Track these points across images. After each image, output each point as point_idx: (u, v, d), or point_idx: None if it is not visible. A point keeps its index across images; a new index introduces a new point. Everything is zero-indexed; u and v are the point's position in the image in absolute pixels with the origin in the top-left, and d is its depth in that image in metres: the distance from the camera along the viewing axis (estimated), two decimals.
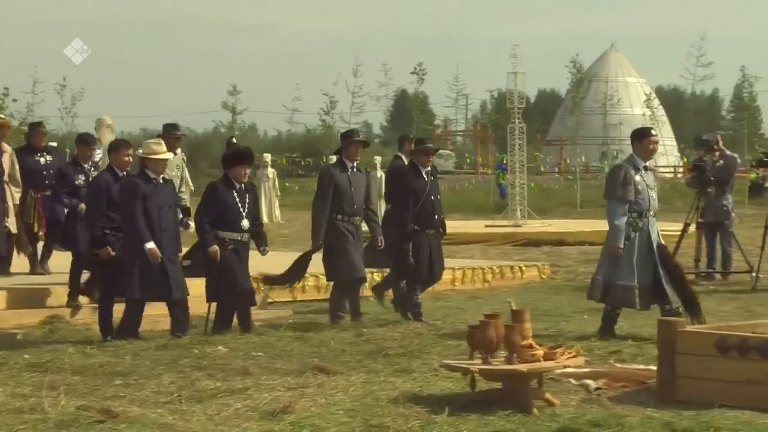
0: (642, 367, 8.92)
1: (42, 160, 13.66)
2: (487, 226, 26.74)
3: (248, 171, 11.43)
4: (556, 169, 59.79)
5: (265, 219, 22.90)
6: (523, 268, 17.04)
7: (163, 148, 10.97)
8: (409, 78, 74.12)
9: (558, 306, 13.71)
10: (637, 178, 10.56)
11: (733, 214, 16.65)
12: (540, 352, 7.73)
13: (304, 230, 19.44)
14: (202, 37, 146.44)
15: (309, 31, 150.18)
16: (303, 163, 57.42)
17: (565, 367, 7.97)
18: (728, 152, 16.85)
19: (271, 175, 31.78)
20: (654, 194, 10.68)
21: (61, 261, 13.00)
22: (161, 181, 10.83)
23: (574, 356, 8.01)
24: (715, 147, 16.42)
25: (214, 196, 11.10)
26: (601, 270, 10.85)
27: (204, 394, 7.95)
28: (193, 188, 14.44)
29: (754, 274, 15.70)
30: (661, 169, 53.94)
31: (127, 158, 11.16)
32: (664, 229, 21.24)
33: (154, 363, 9.31)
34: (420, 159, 12.29)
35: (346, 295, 11.93)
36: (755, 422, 7.10)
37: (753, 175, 41.40)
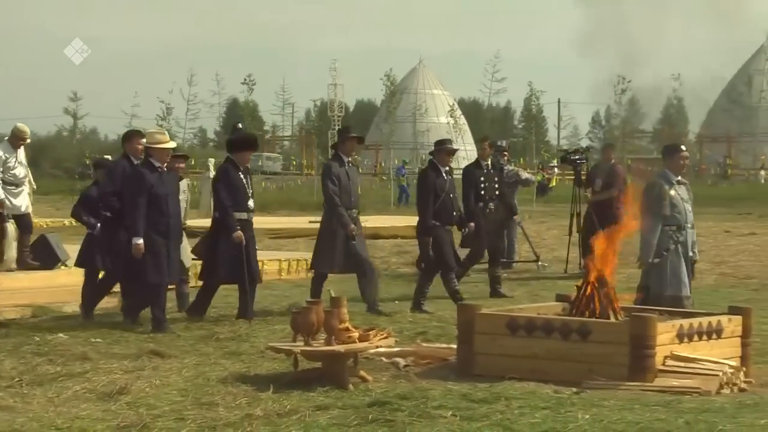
0: (444, 345, 9.05)
1: None
2: (310, 222, 26.69)
3: (251, 156, 11.28)
4: (373, 171, 60.30)
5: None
6: None
7: (167, 137, 10.58)
8: (240, 87, 73.54)
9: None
10: (672, 192, 9.63)
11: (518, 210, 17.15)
12: (356, 334, 7.77)
13: None
14: (44, 45, 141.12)
15: (144, 41, 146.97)
16: None
17: (377, 347, 8.03)
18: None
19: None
20: (689, 207, 9.71)
21: None
22: (165, 169, 10.36)
23: (386, 337, 8.08)
24: (506, 152, 16.80)
25: (228, 178, 10.77)
26: (649, 280, 9.63)
27: (44, 378, 7.69)
28: (35, 187, 13.90)
29: (540, 263, 16.28)
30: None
31: (140, 146, 10.75)
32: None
33: None
34: (441, 158, 12.00)
35: (321, 286, 11.46)
36: (539, 392, 7.31)
37: (539, 177, 42.58)
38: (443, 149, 11.94)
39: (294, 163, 66.25)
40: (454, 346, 8.52)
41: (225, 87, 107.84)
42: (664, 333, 7.78)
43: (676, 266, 9.55)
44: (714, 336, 8.05)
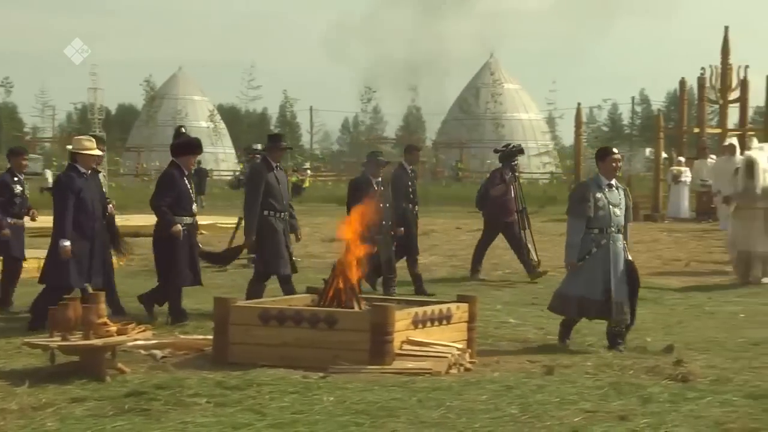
0: (201, 337, 8.93)
1: None
2: None
3: (195, 160, 10.58)
4: (135, 172, 58.70)
5: None
6: None
7: (93, 144, 10.06)
8: None
9: (134, 288, 13.36)
10: (599, 195, 9.00)
11: None
12: (114, 328, 7.55)
13: None
14: None
15: None
16: None
17: (135, 340, 7.82)
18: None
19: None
20: (618, 211, 9.03)
21: None
22: (90, 174, 9.97)
23: (143, 331, 7.89)
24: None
25: (173, 182, 10.09)
26: (564, 283, 9.20)
27: None
28: None
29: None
30: (224, 173, 54.56)
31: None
32: (226, 223, 21.28)
33: None
34: (371, 170, 11.81)
35: (263, 287, 10.70)
36: (288, 377, 7.33)
37: (294, 179, 42.79)
38: (373, 161, 12.03)
39: (55, 164, 63.47)
40: (211, 337, 8.43)
41: None
42: (401, 320, 7.99)
43: (593, 268, 8.89)
44: (444, 322, 8.34)
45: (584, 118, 33.59)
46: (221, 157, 62.98)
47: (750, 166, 13.93)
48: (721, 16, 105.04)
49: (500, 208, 14.03)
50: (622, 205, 9.08)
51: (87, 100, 30.37)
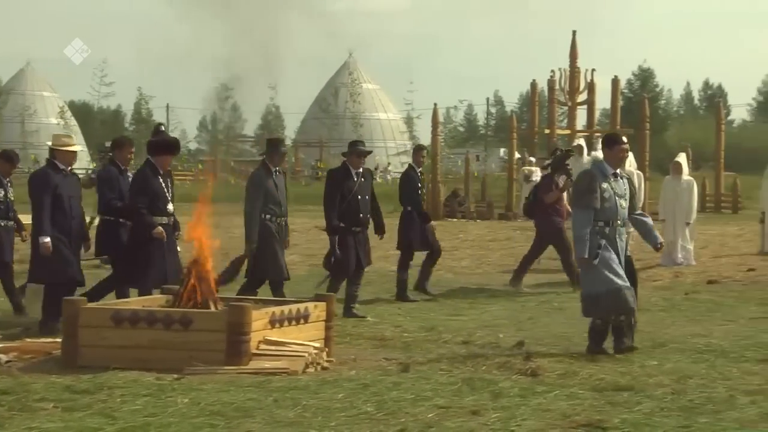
0: (50, 340, 8.67)
1: None
2: None
3: (171, 161, 10.02)
4: None
5: None
6: None
7: (73, 140, 9.80)
8: None
9: None
10: (605, 185, 8.49)
11: None
12: None
13: None
14: None
15: None
16: None
17: None
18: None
19: None
20: (624, 202, 8.56)
21: None
22: (69, 172, 9.59)
23: None
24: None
25: (146, 182, 9.59)
26: (584, 284, 8.66)
27: None
28: None
29: None
30: (76, 171, 53.03)
31: (130, 156, 10.32)
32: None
33: None
34: (352, 160, 11.09)
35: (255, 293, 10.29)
36: (141, 380, 7.19)
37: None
38: (355, 151, 11.19)
39: None
40: (59, 340, 8.18)
41: None
42: (258, 320, 7.95)
43: (607, 260, 8.42)
44: (302, 321, 8.34)
45: (441, 119, 34.11)
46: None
47: None
48: (570, 20, 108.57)
49: (553, 214, 13.45)
50: (627, 196, 8.61)
51: None
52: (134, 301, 8.93)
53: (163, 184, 9.87)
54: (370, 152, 11.79)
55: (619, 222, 8.53)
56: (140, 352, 7.74)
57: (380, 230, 11.41)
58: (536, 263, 16.26)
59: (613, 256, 8.46)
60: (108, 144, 15.56)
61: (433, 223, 13.13)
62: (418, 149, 13.55)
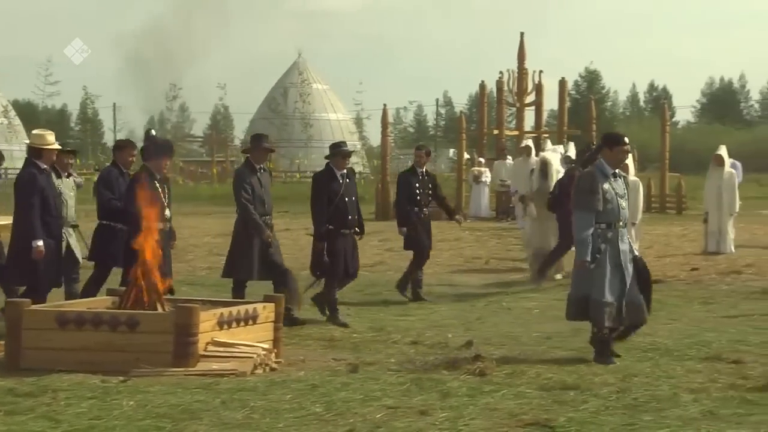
0: None
1: None
2: None
3: (168, 163, 9.60)
4: None
5: None
6: None
7: (53, 138, 9.34)
8: None
9: None
10: (606, 186, 8.23)
11: None
12: None
13: None
14: None
15: None
16: None
17: None
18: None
19: None
20: (624, 203, 8.31)
21: None
22: (50, 170, 9.47)
23: None
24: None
25: (142, 187, 9.19)
26: (573, 285, 8.43)
27: None
28: None
29: None
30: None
31: (131, 158, 10.18)
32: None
33: None
34: (336, 162, 10.69)
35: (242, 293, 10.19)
36: (86, 382, 7.12)
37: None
38: (339, 152, 10.79)
39: None
40: (2, 342, 8.06)
41: None
42: (206, 321, 7.90)
43: (604, 269, 8.18)
44: (251, 322, 8.31)
45: (391, 119, 34.13)
46: (16, 155, 60.24)
47: (544, 166, 14.58)
48: (518, 22, 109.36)
49: None
50: (626, 197, 8.42)
51: None
52: (79, 303, 8.82)
53: (159, 189, 9.62)
54: (354, 152, 11.77)
55: (620, 223, 8.31)
56: (86, 355, 7.65)
57: (359, 231, 11.15)
58: (484, 263, 16.34)
59: (611, 267, 8.21)
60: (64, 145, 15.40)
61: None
62: (418, 149, 13.46)
